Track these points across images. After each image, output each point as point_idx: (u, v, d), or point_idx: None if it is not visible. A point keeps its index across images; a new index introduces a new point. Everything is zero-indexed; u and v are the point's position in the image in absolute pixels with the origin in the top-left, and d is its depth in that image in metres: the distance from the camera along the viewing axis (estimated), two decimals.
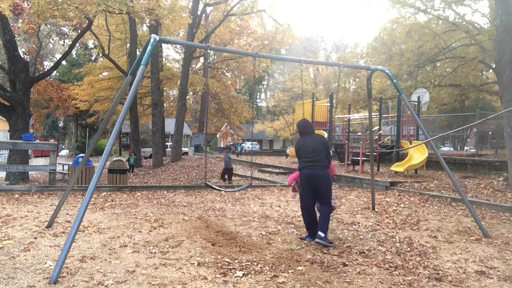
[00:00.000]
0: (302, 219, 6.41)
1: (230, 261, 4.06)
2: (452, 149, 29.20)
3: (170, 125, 28.25)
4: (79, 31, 15.02)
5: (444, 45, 13.49)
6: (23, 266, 3.74)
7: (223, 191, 8.21)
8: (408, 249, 4.78)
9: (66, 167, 15.59)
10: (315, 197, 4.99)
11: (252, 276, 3.67)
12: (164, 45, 25.15)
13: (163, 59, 26.44)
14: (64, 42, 34.08)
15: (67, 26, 20.43)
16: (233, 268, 3.85)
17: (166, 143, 29.20)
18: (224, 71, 30.60)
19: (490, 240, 5.28)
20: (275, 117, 45.06)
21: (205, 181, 6.74)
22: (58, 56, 32.19)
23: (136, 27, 19.00)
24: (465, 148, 27.05)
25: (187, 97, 26.97)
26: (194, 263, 3.97)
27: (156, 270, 3.73)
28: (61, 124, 48.97)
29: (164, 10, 12.48)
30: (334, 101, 15.54)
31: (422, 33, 13.32)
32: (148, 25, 17.52)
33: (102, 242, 4.63)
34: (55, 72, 27.19)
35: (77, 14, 11.41)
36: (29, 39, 19.77)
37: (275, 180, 12.24)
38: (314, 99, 17.36)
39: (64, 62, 31.56)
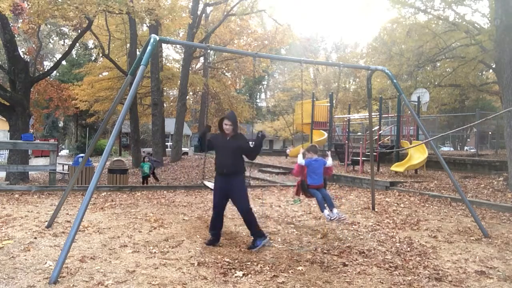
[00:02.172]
0: (301, 219, 6.44)
1: (230, 261, 4.06)
2: (452, 149, 29.18)
3: (170, 125, 28.24)
4: (79, 31, 15.00)
5: (444, 45, 13.48)
6: (23, 266, 3.74)
7: None
8: (408, 249, 4.78)
9: (66, 167, 15.60)
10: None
11: (252, 276, 3.67)
12: (164, 45, 25.13)
13: (163, 59, 26.40)
14: (64, 42, 34.07)
15: (67, 26, 20.42)
16: (233, 268, 3.85)
17: (166, 143, 29.21)
18: (224, 71, 30.58)
19: (490, 240, 5.28)
20: (275, 117, 45.04)
21: (202, 180, 6.73)
22: (58, 56, 32.17)
23: (136, 27, 18.98)
24: (465, 148, 27.03)
25: (187, 97, 26.95)
26: (194, 263, 3.97)
27: (156, 270, 3.74)
28: (61, 124, 48.95)
29: (164, 10, 12.46)
30: (334, 101, 15.53)
31: (422, 33, 13.32)
32: (148, 25, 17.51)
33: (102, 242, 4.63)
34: (55, 72, 27.17)
35: (77, 14, 11.39)
36: (29, 39, 19.76)
37: (275, 180, 12.23)
38: (314, 99, 17.35)
39: (64, 62, 31.53)
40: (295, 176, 5.52)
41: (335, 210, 5.17)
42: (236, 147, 4.68)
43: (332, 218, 5.14)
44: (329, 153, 5.77)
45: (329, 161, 5.51)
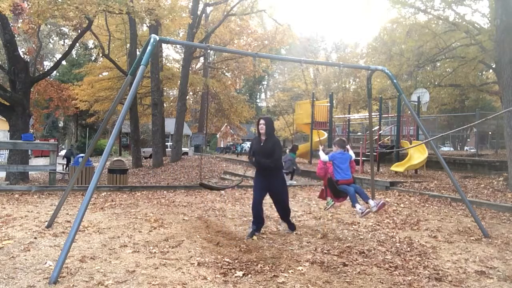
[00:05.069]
0: (301, 219, 6.44)
1: (230, 261, 4.06)
2: (452, 149, 29.17)
3: (170, 125, 28.24)
4: (79, 31, 15.01)
5: (444, 45, 13.49)
6: (23, 266, 3.74)
7: (221, 190, 8.18)
8: (408, 249, 4.78)
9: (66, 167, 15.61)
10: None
11: (252, 276, 3.67)
12: (164, 45, 25.15)
13: (163, 59, 26.42)
14: (64, 42, 34.12)
15: (67, 26, 20.40)
16: (233, 268, 3.85)
17: (166, 143, 29.21)
18: (224, 71, 30.60)
19: (490, 240, 5.27)
20: (275, 117, 45.04)
21: (200, 181, 6.72)
22: (58, 56, 32.17)
23: (136, 27, 18.99)
24: (465, 148, 27.02)
25: (187, 97, 26.96)
26: (194, 263, 3.97)
27: (156, 270, 3.73)
28: (61, 124, 48.98)
29: (164, 10, 12.46)
30: (334, 101, 15.53)
31: (422, 33, 13.33)
32: (148, 25, 17.51)
33: (102, 242, 4.63)
34: (55, 72, 27.21)
35: (77, 14, 11.40)
36: (29, 39, 19.77)
37: None
38: (314, 99, 17.35)
39: (64, 62, 31.59)
40: (319, 176, 5.10)
41: (371, 202, 4.81)
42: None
43: (363, 212, 4.67)
44: (348, 146, 5.14)
45: (352, 154, 5.07)
